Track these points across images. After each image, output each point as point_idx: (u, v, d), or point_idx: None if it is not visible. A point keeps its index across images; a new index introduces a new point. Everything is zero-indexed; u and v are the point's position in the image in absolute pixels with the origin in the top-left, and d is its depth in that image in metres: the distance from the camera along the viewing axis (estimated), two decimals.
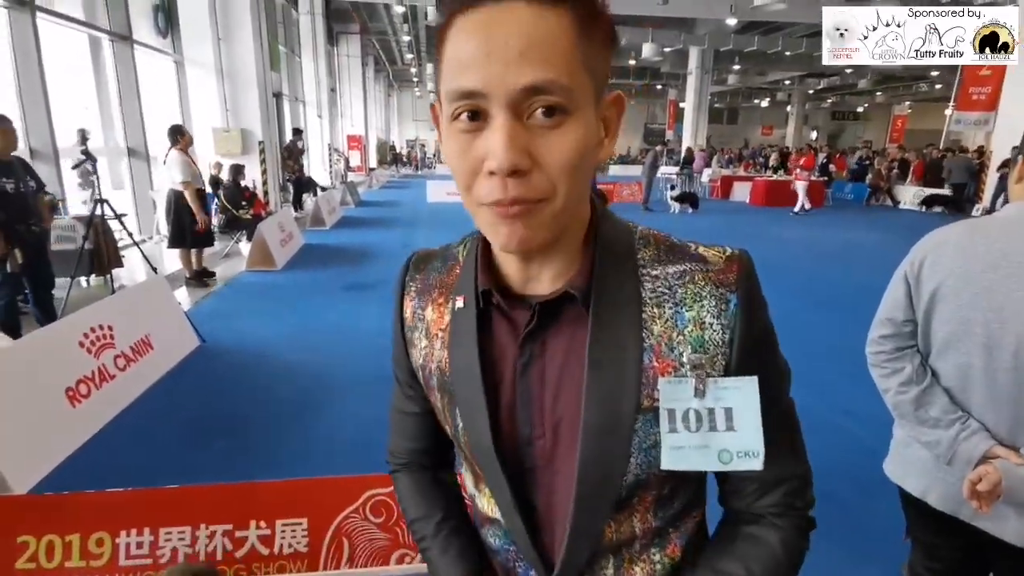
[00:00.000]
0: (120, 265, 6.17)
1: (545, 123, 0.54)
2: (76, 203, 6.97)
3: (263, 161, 10.69)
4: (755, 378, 0.62)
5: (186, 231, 6.33)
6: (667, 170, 20.80)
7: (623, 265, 0.66)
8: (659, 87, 35.28)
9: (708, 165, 20.05)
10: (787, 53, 22.21)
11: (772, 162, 18.64)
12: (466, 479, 0.82)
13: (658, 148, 15.88)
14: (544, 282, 0.66)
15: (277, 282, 6.89)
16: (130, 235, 5.59)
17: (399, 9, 16.74)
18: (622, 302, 0.64)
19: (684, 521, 0.72)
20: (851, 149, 24.76)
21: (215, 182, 9.20)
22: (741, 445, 0.63)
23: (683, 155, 17.69)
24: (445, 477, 0.88)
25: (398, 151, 34.75)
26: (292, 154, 12.81)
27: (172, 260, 7.32)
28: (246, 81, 10.27)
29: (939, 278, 1.25)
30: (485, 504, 0.76)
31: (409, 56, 28.10)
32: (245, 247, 8.16)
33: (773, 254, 8.64)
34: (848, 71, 25.35)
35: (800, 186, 13.89)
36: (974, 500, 1.17)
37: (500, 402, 0.68)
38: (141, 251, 5.61)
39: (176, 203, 6.26)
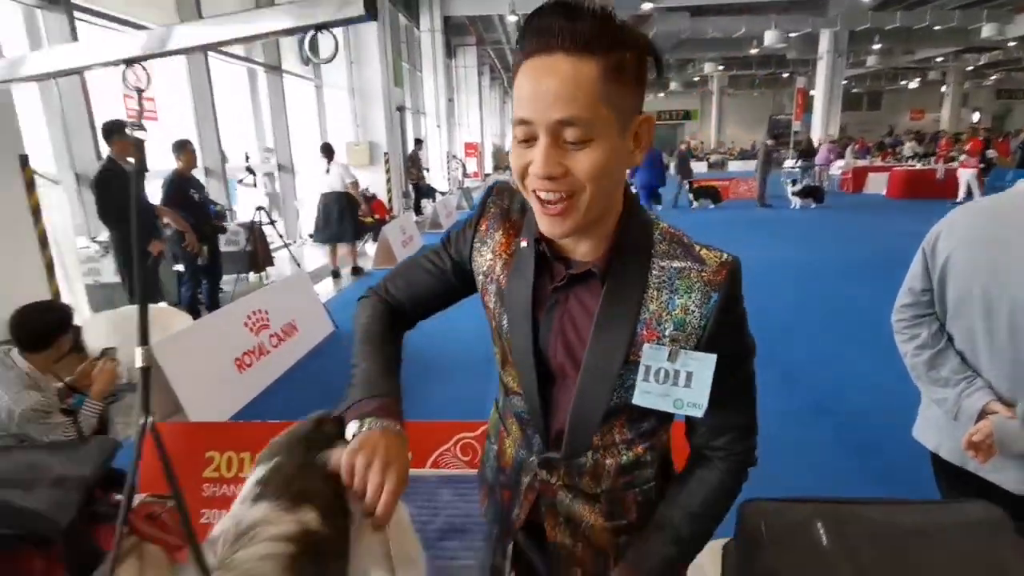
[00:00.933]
0: (272, 264, 7.28)
1: (573, 146, 0.76)
2: (240, 212, 8.26)
3: (387, 170, 11.76)
4: (714, 356, 0.84)
5: (349, 227, 7.46)
6: (790, 164, 19.65)
7: (638, 254, 0.87)
8: (785, 75, 33.09)
9: (840, 156, 18.57)
10: (936, 28, 19.94)
11: (907, 151, 16.82)
12: (497, 359, 1.03)
13: (769, 142, 15.00)
14: (578, 253, 0.88)
15: None
16: (281, 237, 6.57)
17: (512, 19, 17.43)
18: (630, 284, 0.86)
19: (650, 436, 0.96)
20: (1016, 132, 21.61)
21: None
22: (691, 398, 0.86)
23: (801, 147, 16.51)
24: (401, 332, 1.06)
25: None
26: (415, 163, 13.97)
27: (312, 259, 8.40)
28: (373, 98, 11.39)
29: (949, 249, 1.37)
30: (511, 381, 1.00)
31: None
32: (371, 248, 9.12)
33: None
34: (1012, 43, 22.09)
35: (966, 174, 12.39)
36: (971, 452, 1.29)
37: (536, 320, 0.92)
38: (289, 251, 6.57)
39: (347, 203, 7.40)
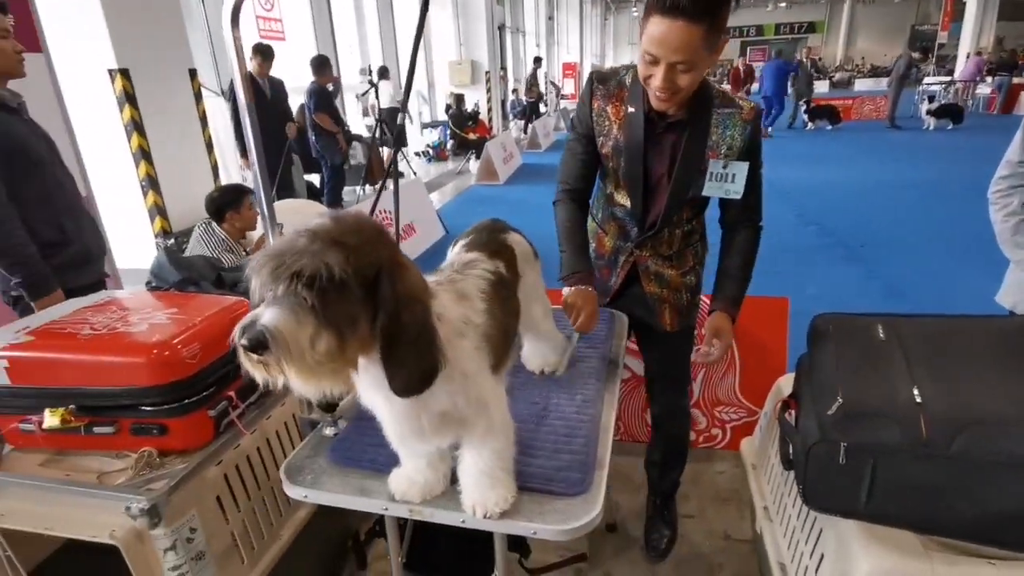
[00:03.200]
0: (385, 177, 7.87)
1: (680, 71, 1.27)
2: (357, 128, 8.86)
3: (488, 89, 11.92)
4: (747, 163, 1.44)
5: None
6: (931, 81, 17.51)
7: (705, 108, 1.43)
8: None
9: (992, 73, 16.24)
10: None
11: None
12: (608, 187, 1.60)
13: (915, 55, 13.34)
14: (672, 110, 1.41)
15: (500, 193, 8.05)
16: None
17: None
18: (701, 125, 1.43)
19: (698, 215, 1.61)
20: None
21: (447, 110, 10.71)
22: (734, 189, 1.46)
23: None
24: (586, 209, 1.64)
25: None
26: (535, 81, 14.15)
27: (423, 170, 8.93)
28: (476, 15, 11.42)
29: None
30: (620, 198, 1.57)
31: None
32: (474, 165, 9.50)
33: None
34: None
35: None
36: None
37: (645, 159, 1.47)
38: (407, 162, 7.09)
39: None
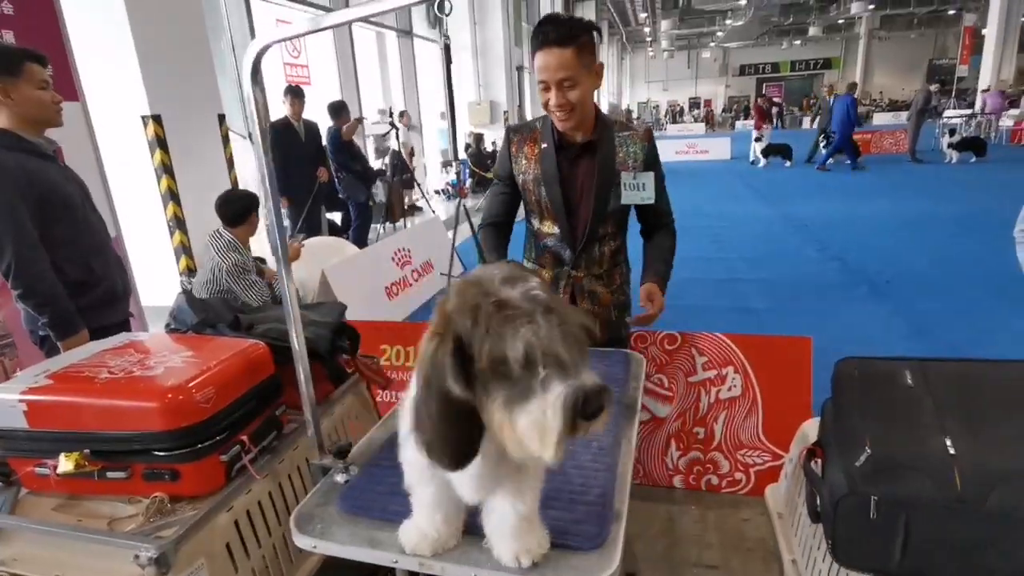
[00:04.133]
0: (405, 215, 7.99)
1: (567, 88, 1.58)
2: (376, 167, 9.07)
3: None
4: (652, 172, 1.75)
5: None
6: (951, 114, 17.45)
7: (607, 132, 1.73)
8: (951, 13, 28.86)
9: (1016, 105, 16.10)
10: None
11: None
12: (534, 221, 1.85)
13: (933, 87, 13.32)
14: (578, 138, 1.72)
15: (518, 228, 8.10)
16: (419, 187, 7.23)
17: None
18: (609, 146, 1.73)
19: (620, 232, 1.86)
20: None
21: (466, 149, 10.93)
22: (647, 195, 1.75)
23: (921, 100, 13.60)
24: (507, 232, 1.90)
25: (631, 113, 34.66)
26: None
27: (441, 209, 9.07)
28: (495, 58, 11.77)
29: None
30: (547, 227, 1.81)
31: (643, 15, 27.76)
32: None
33: None
34: None
35: None
36: None
37: (563, 184, 1.73)
38: (426, 199, 7.22)
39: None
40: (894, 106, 28.44)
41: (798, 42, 35.79)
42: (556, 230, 1.78)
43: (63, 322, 1.88)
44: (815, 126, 14.64)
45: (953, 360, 1.24)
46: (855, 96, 13.04)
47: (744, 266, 5.58)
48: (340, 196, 6.02)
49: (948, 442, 1.03)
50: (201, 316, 1.51)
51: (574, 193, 1.74)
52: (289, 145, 5.08)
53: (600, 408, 0.67)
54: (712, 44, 37.96)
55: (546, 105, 1.63)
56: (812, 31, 32.92)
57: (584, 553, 0.98)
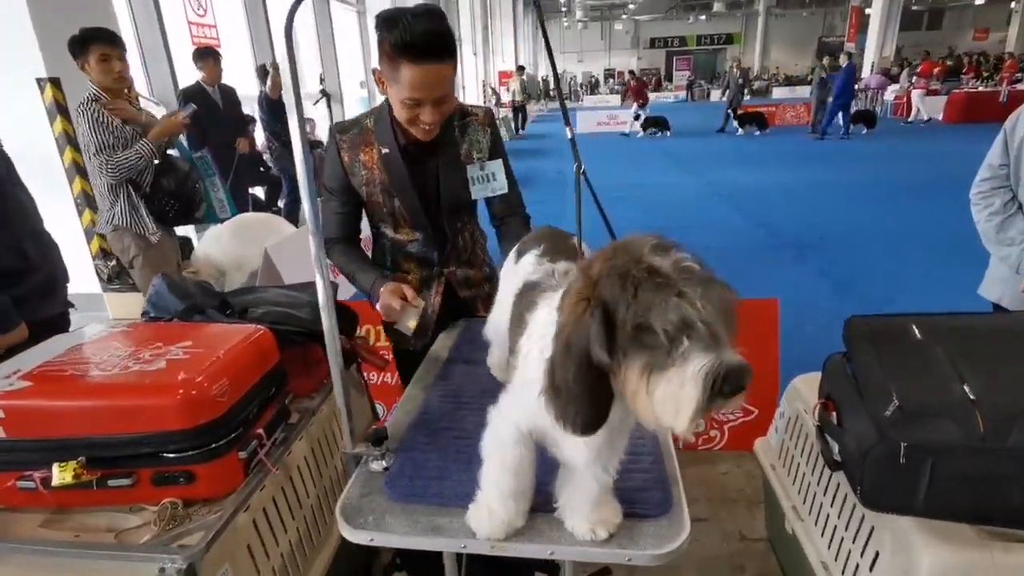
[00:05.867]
0: None
1: (442, 103, 1.42)
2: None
3: None
4: (499, 159, 1.62)
5: None
6: None
7: (451, 127, 1.57)
8: None
9: (896, 81, 17.65)
10: None
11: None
12: (388, 232, 1.67)
13: (823, 63, 14.35)
14: (436, 131, 1.50)
15: None
16: None
17: None
18: (451, 140, 1.57)
19: (472, 218, 1.75)
20: None
21: None
22: (498, 186, 1.63)
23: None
24: (357, 244, 1.70)
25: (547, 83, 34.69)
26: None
27: None
28: None
29: None
30: (406, 234, 1.65)
31: None
32: None
33: None
34: None
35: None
36: None
37: (416, 189, 1.56)
38: None
39: None
40: (790, 81, 30.32)
41: (703, 17, 37.17)
42: (418, 236, 1.64)
43: None
44: (723, 99, 15.47)
45: (948, 314, 1.35)
46: (854, 65, 13.84)
47: (676, 235, 5.77)
48: (271, 168, 5.62)
49: (966, 388, 1.12)
50: (188, 302, 1.35)
51: (428, 196, 1.59)
52: (205, 113, 4.64)
53: (741, 387, 0.66)
54: (624, 16, 38.62)
55: (411, 121, 1.44)
56: (716, 7, 34.28)
57: (654, 520, 0.99)
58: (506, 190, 1.64)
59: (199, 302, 1.37)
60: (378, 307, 1.58)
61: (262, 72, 5.37)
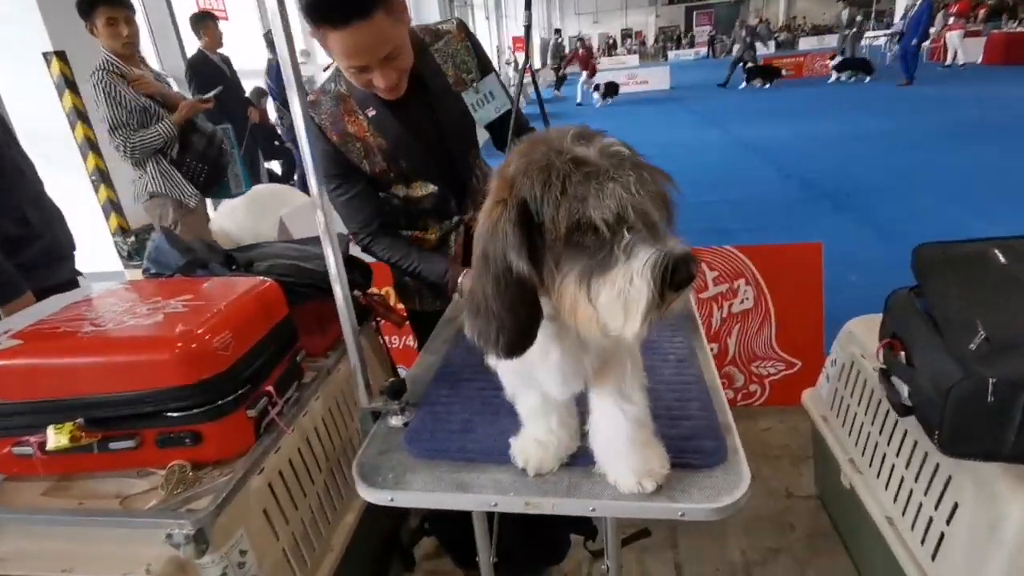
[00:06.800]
0: None
1: (393, 58, 1.20)
2: None
3: None
4: (493, 73, 1.40)
5: None
6: (873, 35, 17.96)
7: (425, 56, 1.34)
8: None
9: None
10: None
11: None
12: (399, 192, 1.44)
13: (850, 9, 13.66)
14: (403, 86, 1.30)
15: None
16: None
17: None
18: (436, 71, 1.36)
19: (479, 150, 1.55)
20: None
21: None
22: (500, 104, 1.42)
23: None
24: (397, 233, 1.49)
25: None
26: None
27: None
28: None
29: None
30: (420, 190, 1.43)
31: None
32: None
33: None
34: None
35: None
36: None
37: (418, 141, 1.37)
38: None
39: None
40: (817, 30, 28.99)
41: None
42: (433, 188, 1.45)
43: (2, 284, 1.57)
44: (733, 55, 14.90)
45: None
46: (745, 23, 13.30)
47: (709, 189, 5.57)
48: (284, 140, 5.52)
49: None
50: (189, 256, 1.26)
51: (433, 144, 1.40)
52: (214, 80, 4.50)
53: (690, 276, 0.59)
54: None
55: (368, 86, 1.26)
56: None
57: (708, 471, 0.88)
58: (509, 105, 1.43)
59: (201, 256, 1.28)
60: (464, 289, 1.41)
61: (270, 39, 5.22)
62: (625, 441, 0.82)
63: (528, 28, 1.43)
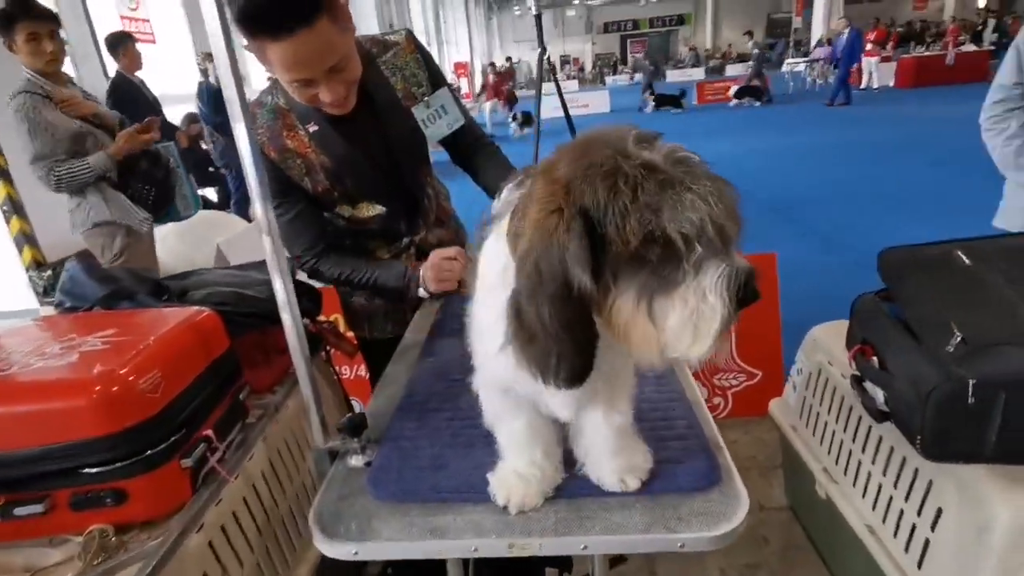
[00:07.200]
0: None
1: (340, 70, 1.12)
2: None
3: None
4: (446, 87, 1.34)
5: None
6: (792, 62, 19.11)
7: (373, 67, 1.26)
8: None
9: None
10: None
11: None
12: (344, 213, 1.35)
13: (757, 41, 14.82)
14: (351, 100, 1.21)
15: None
16: None
17: None
18: (384, 84, 1.28)
19: (431, 168, 1.49)
20: None
21: None
22: (453, 120, 1.36)
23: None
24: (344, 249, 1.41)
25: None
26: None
27: None
28: (366, 14, 10.95)
29: None
30: (367, 210, 1.35)
31: None
32: None
33: None
34: None
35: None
36: None
37: (365, 158, 1.28)
38: None
39: None
40: (742, 58, 30.67)
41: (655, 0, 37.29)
42: (380, 209, 1.35)
43: None
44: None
45: (989, 238, 1.21)
46: (858, 31, 13.83)
47: None
48: (217, 165, 5.27)
49: None
50: (110, 287, 1.12)
51: (380, 161, 1.31)
52: (136, 105, 4.19)
53: (756, 294, 0.56)
54: (576, 2, 38.49)
55: (313, 100, 1.16)
56: None
57: (704, 493, 0.81)
58: (463, 121, 1.36)
59: (126, 286, 1.13)
60: (431, 285, 1.36)
61: (206, 59, 5.01)
62: (608, 441, 0.77)
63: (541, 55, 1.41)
